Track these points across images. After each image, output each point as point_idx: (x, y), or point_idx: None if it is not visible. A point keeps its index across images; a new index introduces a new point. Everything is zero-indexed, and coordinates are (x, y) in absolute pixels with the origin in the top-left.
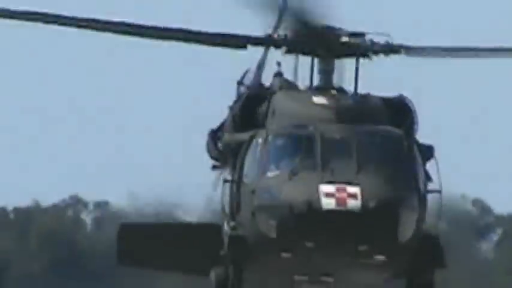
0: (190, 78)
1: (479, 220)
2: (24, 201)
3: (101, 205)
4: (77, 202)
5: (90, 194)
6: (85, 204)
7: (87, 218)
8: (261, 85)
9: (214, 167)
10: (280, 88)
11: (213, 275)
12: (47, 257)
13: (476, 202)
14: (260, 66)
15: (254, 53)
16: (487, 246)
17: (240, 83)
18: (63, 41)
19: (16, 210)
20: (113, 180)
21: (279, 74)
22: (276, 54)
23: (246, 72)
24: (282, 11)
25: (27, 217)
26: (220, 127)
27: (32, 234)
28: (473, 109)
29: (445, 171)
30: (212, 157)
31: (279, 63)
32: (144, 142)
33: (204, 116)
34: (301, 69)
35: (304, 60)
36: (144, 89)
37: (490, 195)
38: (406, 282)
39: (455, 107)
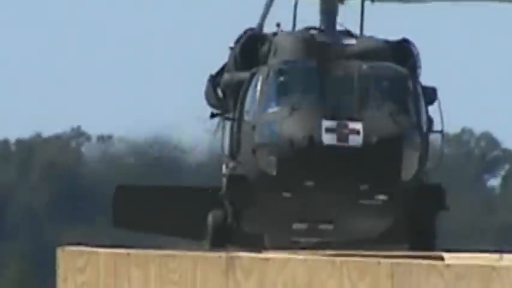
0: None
1: (486, 154)
2: (26, 133)
3: (104, 139)
4: (79, 134)
5: (94, 127)
6: (88, 137)
7: (89, 150)
8: None
9: (212, 115)
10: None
11: (210, 217)
12: (48, 189)
13: (484, 136)
14: (259, 25)
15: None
16: (494, 181)
17: (233, 48)
18: None
19: (18, 142)
20: (116, 114)
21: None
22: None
23: (241, 36)
24: None
25: (30, 149)
26: (220, 72)
27: (34, 166)
28: (482, 42)
29: (451, 106)
30: (211, 104)
31: (278, 25)
32: (147, 77)
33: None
34: (301, 12)
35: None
36: (150, 24)
37: (499, 128)
38: (406, 226)
39: (461, 42)
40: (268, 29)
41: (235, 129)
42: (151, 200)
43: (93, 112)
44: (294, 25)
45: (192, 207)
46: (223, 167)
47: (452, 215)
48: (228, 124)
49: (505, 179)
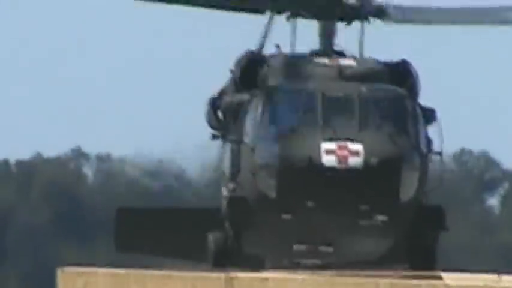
0: (193, 46)
1: (485, 174)
2: (26, 154)
3: (103, 158)
4: (79, 155)
5: (93, 147)
6: (87, 157)
7: (89, 171)
8: None
9: (213, 137)
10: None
11: (211, 239)
12: (48, 209)
13: (483, 156)
14: (260, 47)
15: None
16: (492, 201)
17: (233, 71)
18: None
19: (19, 163)
20: (116, 133)
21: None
22: (274, 35)
23: (240, 59)
24: None
25: (30, 170)
26: (220, 95)
27: (34, 187)
28: (479, 63)
29: (451, 126)
30: (211, 126)
31: (277, 46)
32: (147, 98)
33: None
34: (301, 34)
35: (304, 26)
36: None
37: (497, 148)
38: (407, 247)
39: (458, 64)
40: (268, 46)
41: (235, 151)
42: (152, 223)
43: (94, 133)
44: (294, 47)
45: (192, 228)
46: (223, 188)
47: (451, 235)
48: (228, 146)
49: (503, 198)
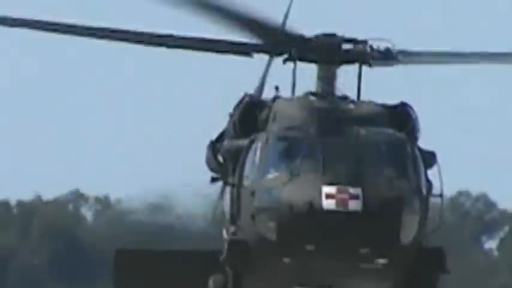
0: (192, 87)
1: (483, 216)
2: (26, 195)
3: (102, 200)
4: (77, 197)
5: (92, 188)
6: (86, 199)
7: (87, 212)
8: None
9: (213, 179)
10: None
11: (211, 282)
12: (48, 250)
13: (481, 197)
14: (259, 90)
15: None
16: (491, 243)
17: (233, 115)
18: (66, 44)
19: (19, 203)
20: (114, 175)
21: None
22: (273, 78)
23: (240, 102)
24: (285, 18)
25: (30, 211)
26: (219, 138)
27: (34, 228)
28: (476, 105)
29: (448, 168)
30: (211, 169)
31: (277, 88)
32: (147, 142)
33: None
34: (300, 77)
35: (304, 69)
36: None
37: (495, 190)
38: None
39: (456, 103)
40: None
41: (235, 194)
42: (152, 264)
43: (93, 176)
44: (294, 90)
45: (192, 271)
46: (224, 231)
47: (450, 277)
48: (228, 189)
49: (502, 240)
